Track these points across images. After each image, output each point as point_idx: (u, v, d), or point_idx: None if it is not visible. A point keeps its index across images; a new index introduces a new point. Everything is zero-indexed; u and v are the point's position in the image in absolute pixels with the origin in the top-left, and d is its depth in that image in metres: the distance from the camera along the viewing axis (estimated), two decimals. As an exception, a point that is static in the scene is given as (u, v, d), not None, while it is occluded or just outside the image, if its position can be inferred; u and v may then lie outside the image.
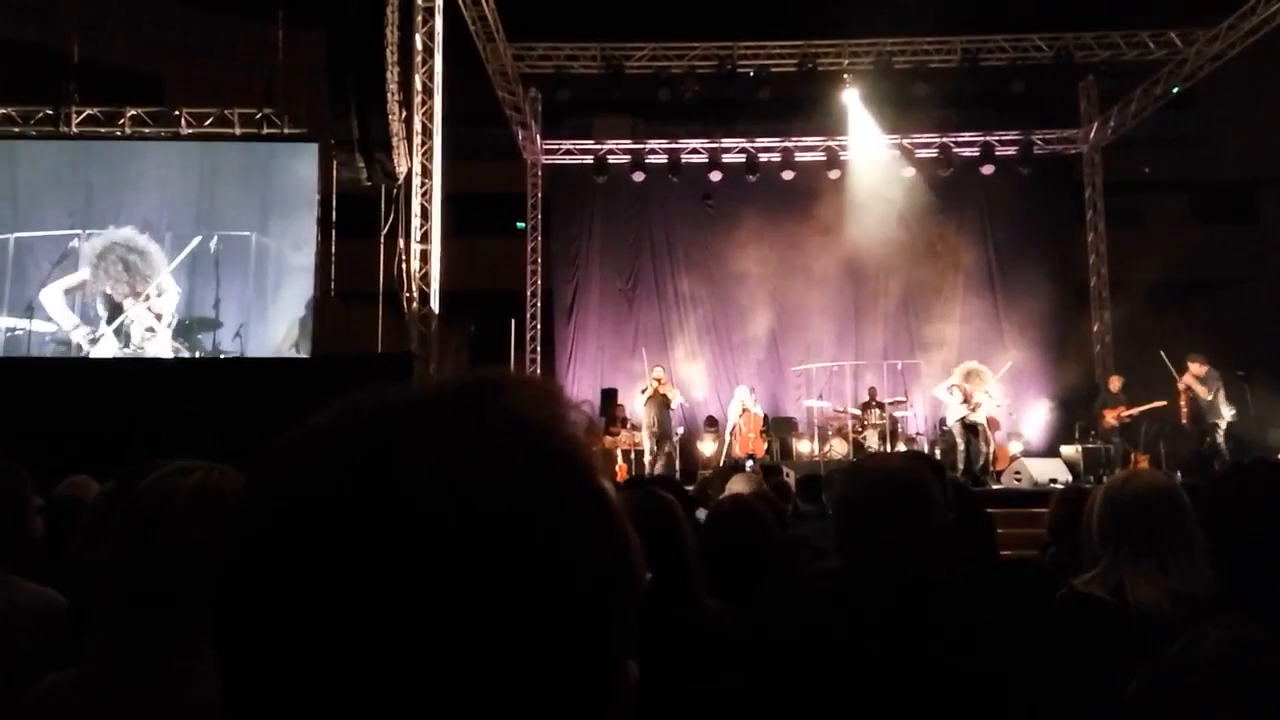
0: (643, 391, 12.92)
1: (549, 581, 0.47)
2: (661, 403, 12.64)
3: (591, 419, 0.58)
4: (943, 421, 11.33)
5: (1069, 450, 12.39)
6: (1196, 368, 11.37)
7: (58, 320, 11.61)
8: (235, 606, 0.48)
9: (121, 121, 12.98)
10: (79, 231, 11.87)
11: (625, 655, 0.52)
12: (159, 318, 11.59)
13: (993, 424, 11.99)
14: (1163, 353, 11.75)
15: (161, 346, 11.54)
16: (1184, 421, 11.56)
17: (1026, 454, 12.63)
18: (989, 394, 11.63)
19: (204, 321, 11.47)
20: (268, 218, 12.01)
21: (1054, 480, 10.35)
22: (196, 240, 11.82)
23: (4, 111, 12.88)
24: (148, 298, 11.60)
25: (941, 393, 11.99)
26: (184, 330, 11.53)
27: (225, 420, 6.44)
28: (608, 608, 0.50)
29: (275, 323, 11.56)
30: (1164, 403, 12.07)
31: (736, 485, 4.77)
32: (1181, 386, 11.49)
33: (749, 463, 11.81)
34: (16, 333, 11.25)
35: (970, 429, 11.33)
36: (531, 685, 0.46)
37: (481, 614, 0.45)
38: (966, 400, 11.38)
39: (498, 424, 0.50)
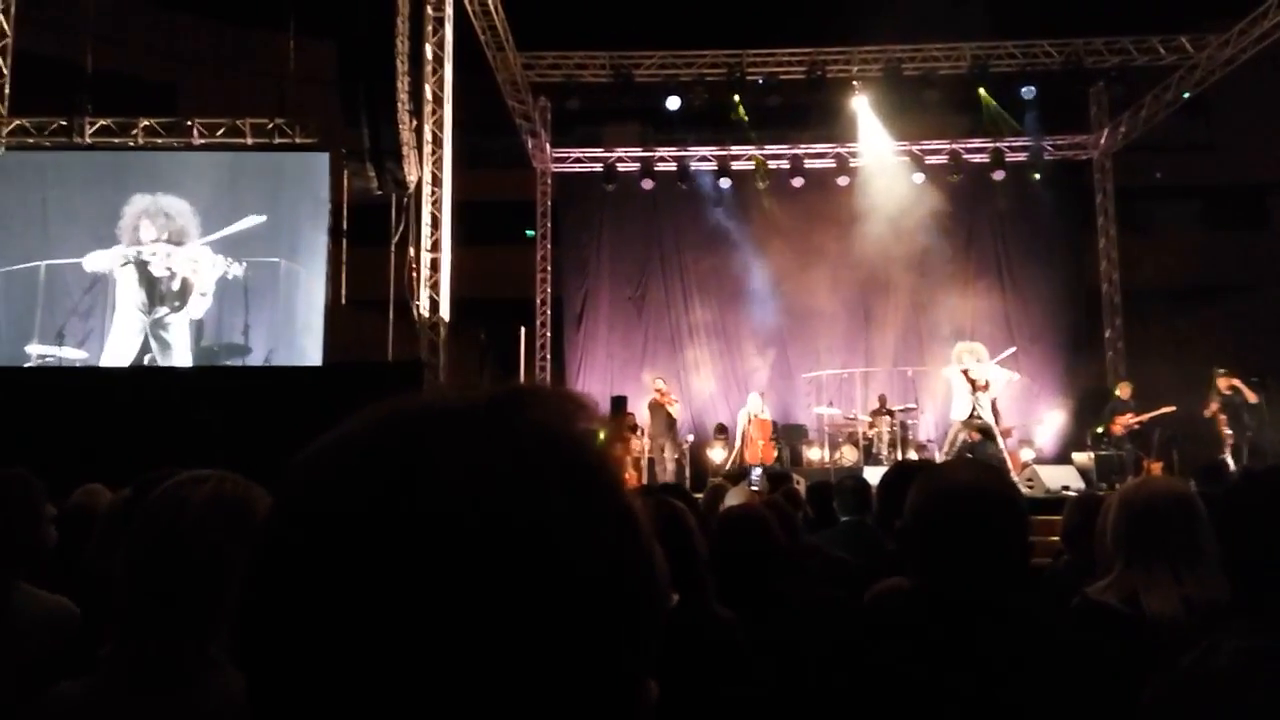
0: (656, 403, 12.91)
1: (576, 598, 0.47)
2: (664, 414, 12.68)
3: (622, 431, 0.58)
4: (969, 449, 10.84)
5: (1081, 457, 12.32)
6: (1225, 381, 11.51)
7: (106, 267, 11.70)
8: (265, 615, 0.48)
9: (135, 132, 13.04)
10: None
11: (647, 674, 0.51)
12: (196, 262, 11.73)
13: (1006, 433, 11.83)
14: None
15: (203, 292, 11.70)
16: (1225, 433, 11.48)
17: (1039, 461, 12.56)
18: (983, 366, 10.96)
19: (232, 348, 11.49)
20: (283, 229, 12.01)
21: (1066, 487, 10.25)
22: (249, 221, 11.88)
23: (19, 123, 12.97)
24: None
25: (949, 371, 11.51)
26: (212, 357, 11.55)
27: (237, 428, 6.45)
28: (633, 626, 0.49)
29: (305, 349, 11.59)
30: (1173, 408, 12.00)
31: (734, 499, 4.73)
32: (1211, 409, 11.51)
33: (755, 472, 11.70)
34: (47, 360, 11.27)
35: (980, 430, 10.90)
36: (554, 702, 0.46)
37: (507, 628, 0.45)
38: (971, 381, 10.79)
39: (528, 437, 0.50)
